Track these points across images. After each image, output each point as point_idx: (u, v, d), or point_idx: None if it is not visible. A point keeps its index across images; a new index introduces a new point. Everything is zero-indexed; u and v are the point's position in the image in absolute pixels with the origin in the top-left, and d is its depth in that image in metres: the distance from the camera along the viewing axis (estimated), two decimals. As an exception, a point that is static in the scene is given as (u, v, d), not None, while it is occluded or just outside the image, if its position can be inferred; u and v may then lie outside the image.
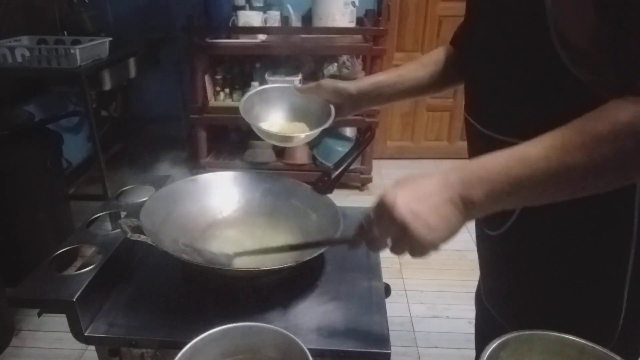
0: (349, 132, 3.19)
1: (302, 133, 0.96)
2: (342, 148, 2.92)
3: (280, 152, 3.12)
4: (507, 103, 0.72)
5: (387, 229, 0.61)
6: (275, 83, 1.16)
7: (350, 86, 0.96)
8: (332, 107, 0.96)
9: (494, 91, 0.74)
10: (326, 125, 0.94)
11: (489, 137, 0.75)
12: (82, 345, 0.83)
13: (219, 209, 1.02)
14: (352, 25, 2.91)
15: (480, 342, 1.08)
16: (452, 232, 0.59)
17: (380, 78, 0.97)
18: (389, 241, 0.62)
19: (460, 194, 0.58)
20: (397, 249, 0.62)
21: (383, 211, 0.60)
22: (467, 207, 0.58)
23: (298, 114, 1.02)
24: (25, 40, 2.45)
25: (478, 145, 0.82)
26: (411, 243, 0.59)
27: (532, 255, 0.79)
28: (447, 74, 0.95)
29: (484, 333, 1.05)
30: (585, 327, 0.73)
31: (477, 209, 0.59)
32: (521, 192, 0.58)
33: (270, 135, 0.95)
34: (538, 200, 0.61)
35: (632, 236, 0.70)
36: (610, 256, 0.73)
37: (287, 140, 1.00)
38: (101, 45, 2.44)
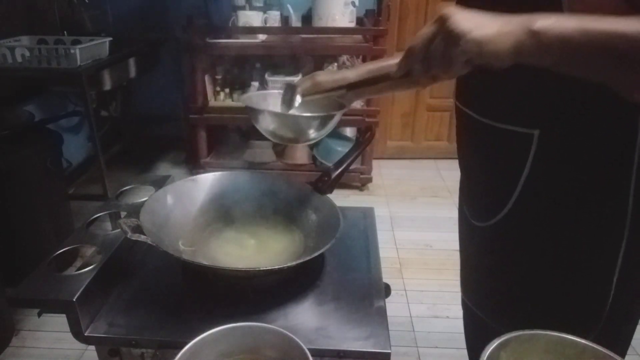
0: (349, 132, 3.19)
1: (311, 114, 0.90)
2: (342, 148, 2.92)
3: (280, 152, 3.12)
4: (512, 91, 0.71)
5: (433, 30, 0.57)
6: (276, 85, 1.09)
7: (350, 74, 0.94)
8: (344, 104, 0.93)
9: (498, 79, 0.72)
10: (340, 113, 0.89)
11: (484, 125, 0.75)
12: (82, 345, 0.83)
13: (219, 209, 1.02)
14: (352, 25, 2.91)
15: (471, 342, 1.08)
16: (497, 39, 0.55)
17: (380, 65, 0.96)
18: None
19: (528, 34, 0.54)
20: (434, 51, 0.58)
21: (437, 19, 0.57)
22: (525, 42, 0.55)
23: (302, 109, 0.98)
24: (25, 40, 2.46)
25: (471, 134, 0.82)
26: (448, 32, 0.55)
27: (523, 245, 0.79)
28: None
29: (472, 333, 1.05)
30: (573, 315, 0.73)
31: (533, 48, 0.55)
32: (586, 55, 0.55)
33: (281, 121, 0.88)
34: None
35: (625, 222, 0.71)
36: (603, 243, 0.73)
37: (297, 129, 0.91)
38: (101, 45, 2.44)
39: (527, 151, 0.71)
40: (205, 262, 0.85)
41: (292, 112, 0.94)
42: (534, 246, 0.78)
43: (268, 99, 0.98)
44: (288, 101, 0.91)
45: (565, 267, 0.77)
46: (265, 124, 0.90)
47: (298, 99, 0.92)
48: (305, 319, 0.79)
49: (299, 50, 2.91)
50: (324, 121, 0.90)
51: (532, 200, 0.74)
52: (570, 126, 0.68)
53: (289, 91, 0.92)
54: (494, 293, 0.87)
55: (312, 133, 0.90)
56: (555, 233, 0.75)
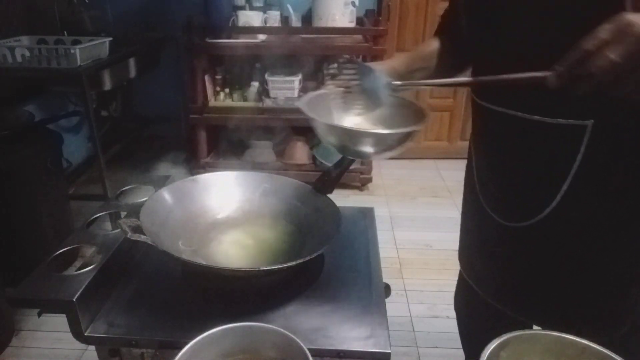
0: (349, 132, 3.18)
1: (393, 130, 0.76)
2: (342, 148, 2.91)
3: (280, 152, 3.12)
4: None
5: (622, 41, 0.50)
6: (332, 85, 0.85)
7: (400, 66, 0.90)
8: (423, 107, 0.83)
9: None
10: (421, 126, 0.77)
11: (526, 121, 0.73)
12: (82, 345, 0.83)
13: (219, 209, 1.02)
14: (352, 25, 2.91)
15: (474, 341, 1.08)
16: None
17: (414, 55, 0.94)
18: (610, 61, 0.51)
19: None
20: (623, 68, 0.51)
21: (620, 25, 0.50)
22: None
23: (372, 120, 0.85)
24: (25, 40, 2.45)
25: (506, 133, 0.79)
26: None
27: (570, 243, 0.77)
28: (453, 64, 0.92)
29: (479, 330, 1.04)
30: (606, 312, 0.71)
31: None
32: None
33: (349, 135, 0.74)
34: None
35: None
36: None
37: (372, 141, 0.75)
38: (101, 45, 2.44)
39: (577, 144, 0.70)
40: (205, 262, 0.85)
41: (364, 127, 0.80)
42: (580, 243, 0.76)
43: (325, 101, 0.85)
44: (373, 93, 0.78)
45: (609, 260, 0.76)
46: (334, 139, 0.78)
47: (386, 92, 0.78)
48: (305, 319, 0.79)
49: (299, 50, 2.91)
50: (405, 137, 0.77)
51: (581, 195, 0.73)
52: (626, 113, 0.66)
53: (373, 78, 0.78)
54: (527, 290, 0.85)
55: (390, 150, 0.79)
56: (605, 229, 0.74)
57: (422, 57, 0.93)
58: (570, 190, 0.73)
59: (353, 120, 0.85)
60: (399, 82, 0.80)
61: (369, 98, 0.81)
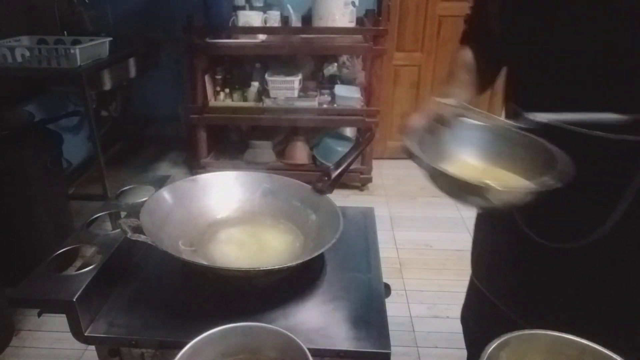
0: (349, 132, 3.19)
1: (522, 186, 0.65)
2: (342, 148, 2.91)
3: (280, 152, 3.12)
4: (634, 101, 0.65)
5: None
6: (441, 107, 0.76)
7: (473, 81, 0.86)
8: (559, 152, 0.68)
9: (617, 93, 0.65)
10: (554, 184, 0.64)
11: (584, 137, 0.70)
12: (82, 345, 0.83)
13: (219, 209, 1.02)
14: (352, 25, 2.91)
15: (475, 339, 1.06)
16: None
17: (466, 67, 0.89)
18: None
19: None
20: None
21: None
22: None
23: (493, 158, 0.75)
24: (25, 40, 2.46)
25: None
26: None
27: (627, 265, 0.74)
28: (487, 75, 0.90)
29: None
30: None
31: None
32: None
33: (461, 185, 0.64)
34: None
35: None
36: None
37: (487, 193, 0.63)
38: (101, 45, 2.44)
39: (637, 161, 0.68)
40: (205, 262, 0.85)
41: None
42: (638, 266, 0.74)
43: (430, 140, 0.77)
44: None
45: None
46: (466, 195, 0.67)
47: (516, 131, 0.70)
48: (305, 319, 0.79)
49: (299, 50, 2.91)
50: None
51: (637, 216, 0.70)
52: None
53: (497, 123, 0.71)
54: (568, 311, 0.82)
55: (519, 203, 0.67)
56: None
57: (472, 69, 0.88)
58: (630, 210, 0.71)
59: (470, 163, 0.76)
60: (544, 115, 0.69)
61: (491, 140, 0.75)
